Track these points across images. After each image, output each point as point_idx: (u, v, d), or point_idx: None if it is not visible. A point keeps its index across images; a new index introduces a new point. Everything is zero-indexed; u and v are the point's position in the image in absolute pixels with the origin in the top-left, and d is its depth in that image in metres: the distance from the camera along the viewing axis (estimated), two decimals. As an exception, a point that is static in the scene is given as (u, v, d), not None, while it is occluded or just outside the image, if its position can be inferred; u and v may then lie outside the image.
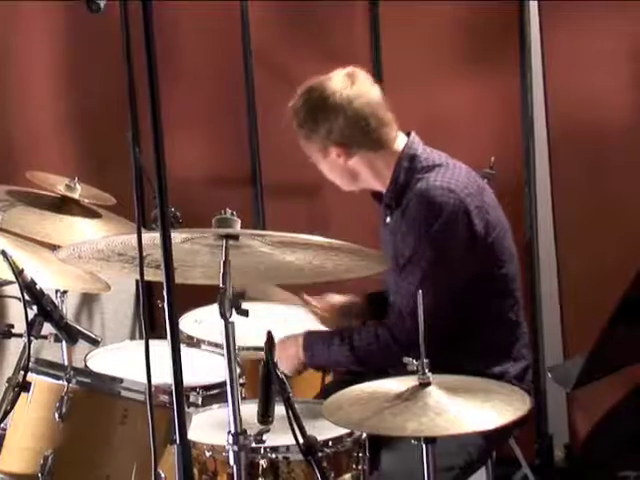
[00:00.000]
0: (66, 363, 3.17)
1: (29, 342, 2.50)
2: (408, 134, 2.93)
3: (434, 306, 2.63)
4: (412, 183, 2.85)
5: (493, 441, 2.90)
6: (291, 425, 2.23)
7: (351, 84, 2.85)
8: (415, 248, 2.78)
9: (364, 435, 2.55)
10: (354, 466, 2.55)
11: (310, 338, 2.90)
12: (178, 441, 1.88)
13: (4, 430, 2.57)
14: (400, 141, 2.91)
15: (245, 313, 2.24)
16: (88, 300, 4.02)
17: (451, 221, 2.76)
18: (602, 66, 3.70)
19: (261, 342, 2.28)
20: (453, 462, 2.76)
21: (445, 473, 2.72)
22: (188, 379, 1.93)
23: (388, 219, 2.96)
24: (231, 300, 2.20)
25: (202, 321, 3.26)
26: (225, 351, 2.22)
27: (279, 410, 2.27)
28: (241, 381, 2.81)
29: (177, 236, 2.20)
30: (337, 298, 3.13)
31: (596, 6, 3.66)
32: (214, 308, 2.24)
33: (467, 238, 2.78)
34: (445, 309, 2.76)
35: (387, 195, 2.91)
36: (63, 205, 3.27)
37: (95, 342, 2.72)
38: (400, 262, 2.81)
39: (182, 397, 1.88)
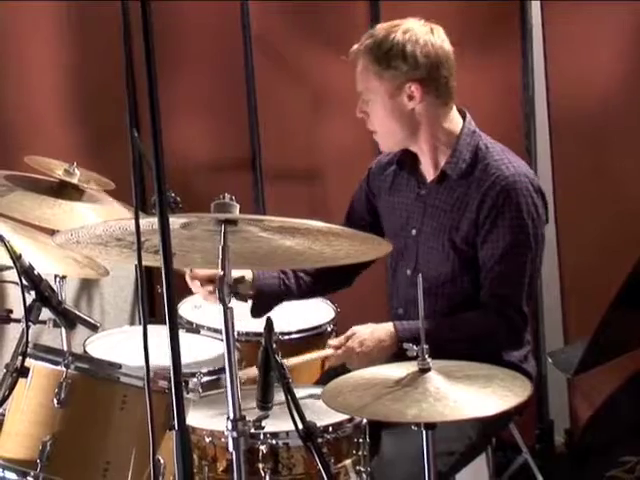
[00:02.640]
0: (65, 349, 3.17)
1: (27, 327, 2.49)
2: (461, 112, 2.92)
3: (529, 301, 2.83)
4: (483, 160, 2.84)
5: (493, 426, 2.90)
6: (290, 411, 2.22)
7: (431, 30, 2.84)
8: (515, 240, 2.79)
9: (364, 421, 2.54)
10: (354, 452, 2.54)
11: (407, 333, 2.79)
12: (177, 427, 1.88)
13: (2, 416, 2.56)
14: (456, 113, 2.90)
15: (244, 298, 2.23)
16: (87, 285, 4.01)
17: (537, 209, 2.82)
18: (603, 49, 3.69)
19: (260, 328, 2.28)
20: (453, 447, 2.76)
21: (446, 458, 2.72)
22: (187, 364, 1.93)
23: (424, 191, 2.93)
24: (230, 285, 2.19)
25: (201, 306, 3.26)
26: (224, 337, 2.21)
27: (279, 396, 2.27)
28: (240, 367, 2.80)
29: (176, 221, 2.18)
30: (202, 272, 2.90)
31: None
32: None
33: (543, 225, 2.87)
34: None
35: (447, 165, 2.87)
36: (62, 190, 3.26)
37: (94, 327, 2.71)
38: (491, 255, 2.81)
39: (180, 382, 1.87)
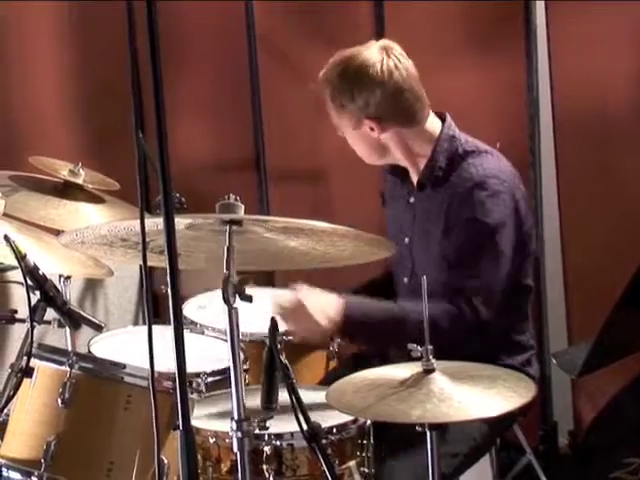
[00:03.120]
0: (69, 349, 3.17)
1: (32, 327, 2.50)
2: (439, 115, 2.91)
3: (493, 300, 2.73)
4: (459, 166, 2.83)
5: (497, 427, 2.89)
6: (295, 412, 2.22)
7: (387, 56, 2.81)
8: (474, 239, 2.76)
9: (369, 422, 2.54)
10: (359, 453, 2.54)
11: (356, 302, 2.77)
12: (181, 427, 1.88)
13: (7, 416, 2.57)
14: (432, 120, 2.89)
15: (249, 299, 2.23)
16: (91, 285, 4.02)
17: (507, 211, 2.77)
18: (607, 50, 3.69)
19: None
20: (457, 449, 2.76)
21: (449, 460, 2.72)
22: (191, 365, 1.93)
23: (412, 199, 2.94)
24: (235, 286, 2.19)
25: (205, 307, 3.25)
26: (228, 337, 2.21)
27: (284, 397, 2.27)
28: (245, 367, 2.80)
29: (181, 222, 2.19)
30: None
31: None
32: (218, 294, 2.24)
33: (517, 227, 2.80)
34: (501, 300, 2.77)
35: (423, 174, 2.88)
36: (67, 190, 3.26)
37: (98, 327, 2.71)
38: (454, 250, 2.78)
39: (185, 383, 1.88)
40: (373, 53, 2.81)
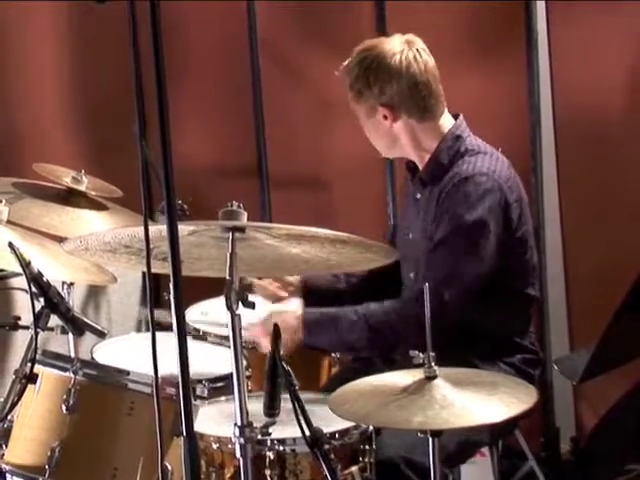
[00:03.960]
0: (73, 355, 3.18)
1: (36, 334, 2.50)
2: (455, 116, 2.95)
3: (460, 294, 2.75)
4: (456, 164, 2.87)
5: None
6: (297, 417, 2.23)
7: (409, 49, 2.87)
8: (451, 231, 2.78)
9: (371, 428, 2.55)
10: (361, 458, 2.55)
11: (313, 315, 2.86)
12: (184, 433, 1.89)
13: (11, 422, 2.57)
14: (446, 119, 2.93)
15: (251, 305, 2.24)
16: (94, 292, 4.03)
17: (491, 210, 2.79)
18: (608, 59, 3.70)
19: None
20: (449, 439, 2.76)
21: (452, 436, 2.71)
22: (194, 371, 1.93)
23: (419, 195, 2.96)
24: (237, 292, 2.20)
25: (208, 313, 3.26)
26: (231, 343, 2.22)
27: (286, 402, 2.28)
28: (247, 373, 2.81)
29: (184, 228, 2.20)
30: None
31: (603, -1, 3.65)
32: (220, 300, 2.25)
33: (502, 229, 2.82)
34: (470, 298, 2.79)
35: (425, 170, 2.92)
36: (70, 197, 3.27)
37: (101, 334, 2.72)
38: (433, 241, 2.81)
39: (188, 389, 1.89)
40: (395, 44, 2.88)
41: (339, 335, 2.83)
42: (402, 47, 2.87)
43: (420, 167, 2.97)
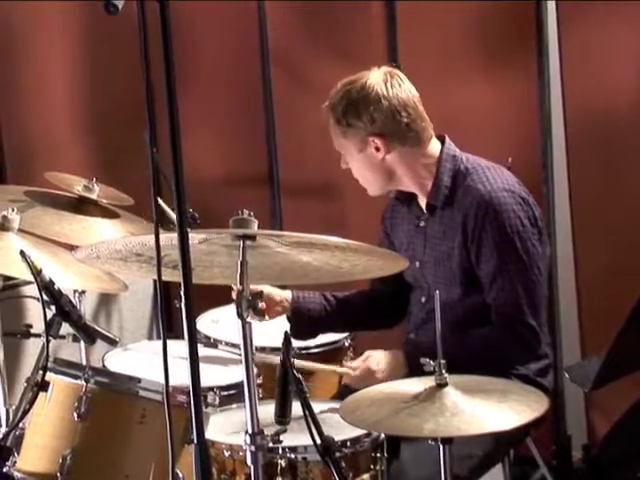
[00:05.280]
0: (84, 363, 3.18)
1: (47, 342, 2.51)
2: (438, 138, 2.95)
3: (537, 313, 2.84)
4: (462, 183, 2.87)
5: (511, 435, 2.90)
6: (308, 425, 2.23)
7: (391, 78, 2.87)
8: (500, 257, 2.81)
9: (382, 435, 2.55)
10: (372, 466, 2.55)
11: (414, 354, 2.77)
12: (196, 441, 1.89)
13: (23, 429, 2.58)
14: (434, 142, 2.94)
15: (262, 314, 2.24)
16: (106, 300, 4.04)
17: (526, 221, 2.83)
18: (619, 64, 3.69)
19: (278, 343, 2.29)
20: (472, 451, 2.77)
21: (465, 461, 2.73)
22: (205, 379, 1.94)
23: (422, 223, 2.97)
24: (248, 300, 2.20)
25: (219, 321, 3.27)
26: (242, 351, 2.22)
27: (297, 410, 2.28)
28: (258, 381, 2.81)
29: (194, 236, 2.20)
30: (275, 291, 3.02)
31: (614, 5, 3.64)
32: (231, 308, 2.25)
33: (538, 232, 2.86)
34: (542, 313, 2.88)
35: (431, 196, 2.91)
36: (81, 206, 3.28)
37: (113, 342, 2.73)
38: (487, 275, 2.83)
39: (199, 397, 1.89)
40: (375, 75, 2.88)
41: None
42: (385, 77, 2.87)
43: (420, 195, 2.96)
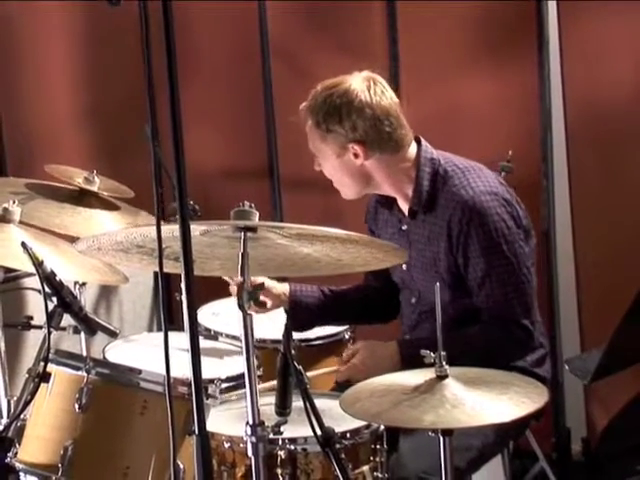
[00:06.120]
0: (85, 354, 3.19)
1: (49, 333, 2.52)
2: (416, 139, 2.92)
3: (528, 311, 2.84)
4: (443, 187, 2.85)
5: (510, 427, 2.91)
6: (308, 417, 2.24)
7: (374, 85, 2.83)
8: (488, 262, 2.80)
9: (382, 427, 2.55)
10: (372, 458, 2.56)
11: (410, 348, 2.80)
12: (197, 432, 1.90)
13: (24, 421, 2.59)
14: (412, 146, 2.91)
15: (263, 305, 2.25)
16: (106, 292, 4.04)
17: (511, 222, 2.82)
18: (620, 59, 3.69)
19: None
20: (471, 442, 2.78)
21: (464, 453, 2.74)
22: (205, 371, 1.95)
23: (405, 226, 2.96)
24: (249, 292, 2.21)
25: (219, 313, 3.27)
26: (243, 343, 2.23)
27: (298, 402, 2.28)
28: (259, 373, 2.82)
29: (196, 228, 2.21)
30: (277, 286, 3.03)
31: (613, 0, 3.64)
32: (231, 301, 2.26)
33: (523, 232, 2.86)
34: (534, 308, 2.87)
35: (413, 201, 2.89)
36: (82, 198, 3.29)
37: (113, 334, 2.74)
38: (474, 278, 2.83)
39: (201, 388, 1.90)
40: (358, 80, 2.84)
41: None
42: (368, 83, 2.83)
43: (400, 200, 2.94)
